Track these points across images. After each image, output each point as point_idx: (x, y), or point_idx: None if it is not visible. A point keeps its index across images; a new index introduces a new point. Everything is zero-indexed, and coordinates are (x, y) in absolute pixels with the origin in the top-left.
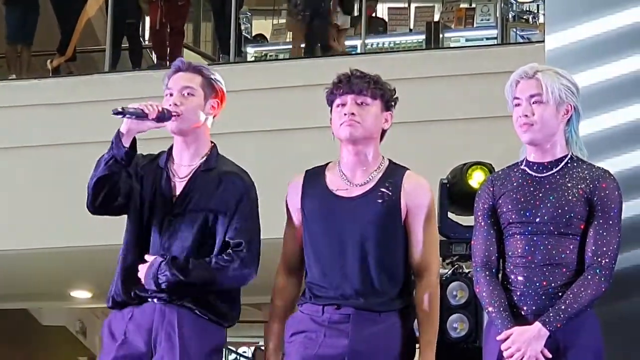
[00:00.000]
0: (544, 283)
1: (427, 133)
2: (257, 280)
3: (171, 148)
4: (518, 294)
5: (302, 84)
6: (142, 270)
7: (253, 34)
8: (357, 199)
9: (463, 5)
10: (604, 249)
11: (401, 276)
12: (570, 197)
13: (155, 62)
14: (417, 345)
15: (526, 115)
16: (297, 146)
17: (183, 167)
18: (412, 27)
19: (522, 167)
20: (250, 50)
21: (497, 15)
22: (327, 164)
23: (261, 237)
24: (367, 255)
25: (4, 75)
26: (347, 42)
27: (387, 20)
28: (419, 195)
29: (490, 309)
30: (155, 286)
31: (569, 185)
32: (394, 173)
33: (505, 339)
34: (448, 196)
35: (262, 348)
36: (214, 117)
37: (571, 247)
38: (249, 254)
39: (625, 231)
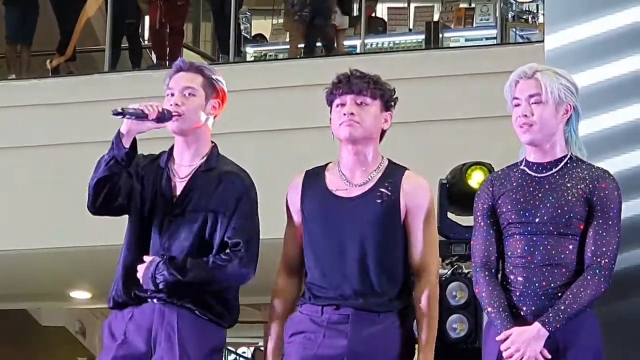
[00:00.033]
0: (544, 283)
1: (426, 133)
2: (257, 280)
3: (172, 148)
4: (517, 294)
5: (302, 83)
6: (141, 271)
7: (252, 34)
8: (356, 199)
9: (462, 5)
10: (604, 249)
11: (400, 276)
12: (569, 198)
13: (154, 62)
14: (417, 346)
15: (525, 116)
16: (296, 146)
17: (183, 167)
18: (411, 27)
19: (522, 167)
20: (250, 50)
21: (497, 15)
22: (327, 164)
23: (261, 237)
24: (366, 255)
25: (3, 75)
26: (347, 42)
27: (386, 20)
28: (419, 195)
29: (489, 309)
30: (154, 286)
31: (569, 185)
32: (393, 173)
33: (505, 340)
34: (447, 196)
35: (262, 348)
36: (214, 117)
37: (571, 247)
38: (247, 254)
39: (625, 231)
